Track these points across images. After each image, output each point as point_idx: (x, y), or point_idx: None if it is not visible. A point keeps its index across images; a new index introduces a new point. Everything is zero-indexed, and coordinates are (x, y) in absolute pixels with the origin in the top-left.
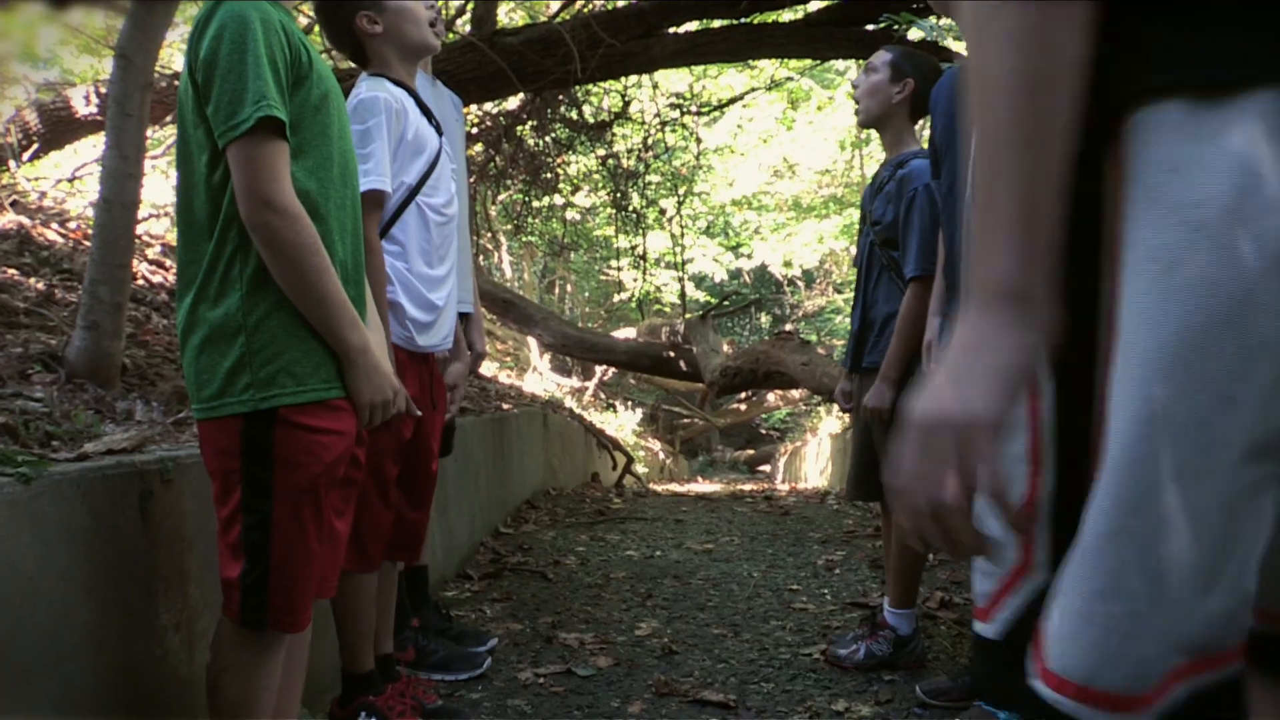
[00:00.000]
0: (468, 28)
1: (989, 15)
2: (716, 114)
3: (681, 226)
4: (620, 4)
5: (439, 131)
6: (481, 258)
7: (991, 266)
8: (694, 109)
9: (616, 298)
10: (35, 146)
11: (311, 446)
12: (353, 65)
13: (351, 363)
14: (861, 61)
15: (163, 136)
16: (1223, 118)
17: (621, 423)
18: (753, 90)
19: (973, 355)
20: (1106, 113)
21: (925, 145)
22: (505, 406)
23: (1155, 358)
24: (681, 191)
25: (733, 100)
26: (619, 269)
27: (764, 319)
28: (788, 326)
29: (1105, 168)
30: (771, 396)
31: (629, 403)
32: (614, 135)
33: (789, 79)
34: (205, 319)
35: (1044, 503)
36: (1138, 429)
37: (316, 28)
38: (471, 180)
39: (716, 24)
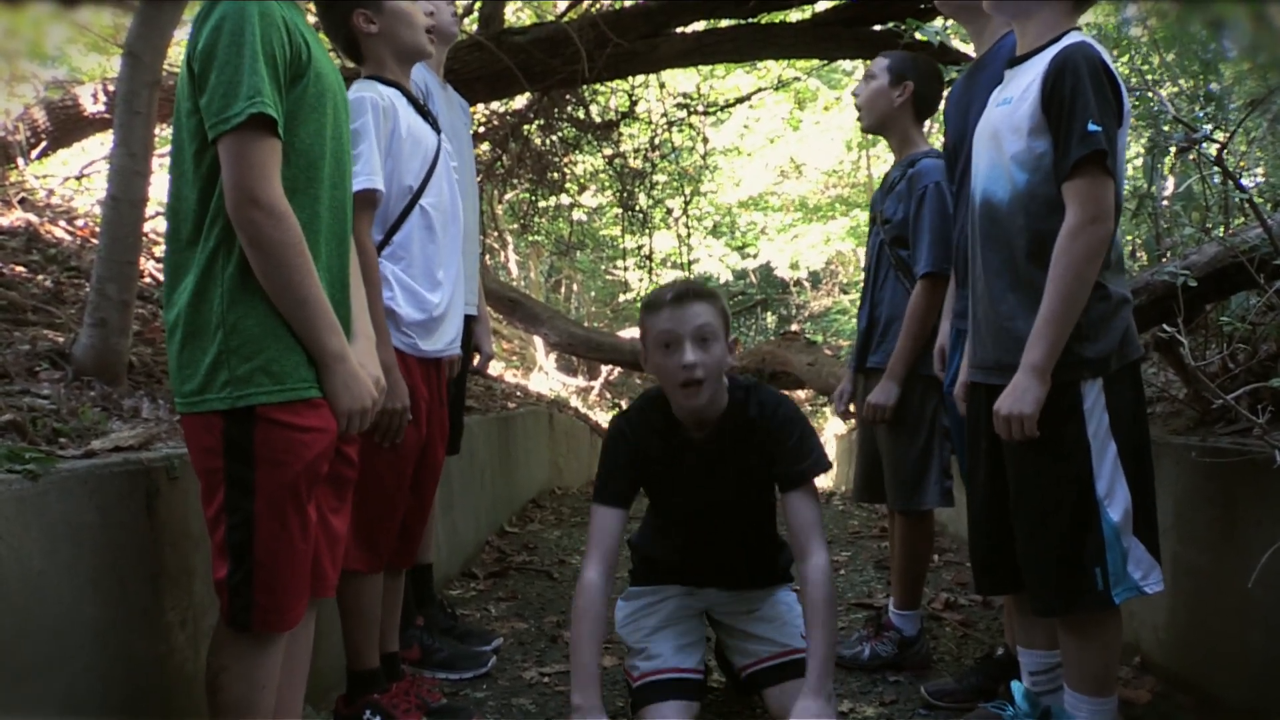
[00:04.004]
0: (475, 27)
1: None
2: (723, 114)
3: (688, 226)
4: (628, 4)
5: (437, 129)
6: (488, 257)
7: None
8: (701, 109)
9: (622, 297)
10: (43, 144)
11: (292, 444)
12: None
13: (329, 369)
14: (868, 62)
15: (170, 134)
16: None
17: None
18: (760, 90)
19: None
20: None
21: (933, 145)
22: (511, 405)
23: None
24: (688, 192)
25: (740, 100)
26: (625, 269)
27: (770, 319)
28: (794, 327)
29: None
30: None
31: None
32: (621, 135)
33: (796, 79)
34: (186, 313)
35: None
36: None
37: None
38: (478, 179)
39: (724, 24)
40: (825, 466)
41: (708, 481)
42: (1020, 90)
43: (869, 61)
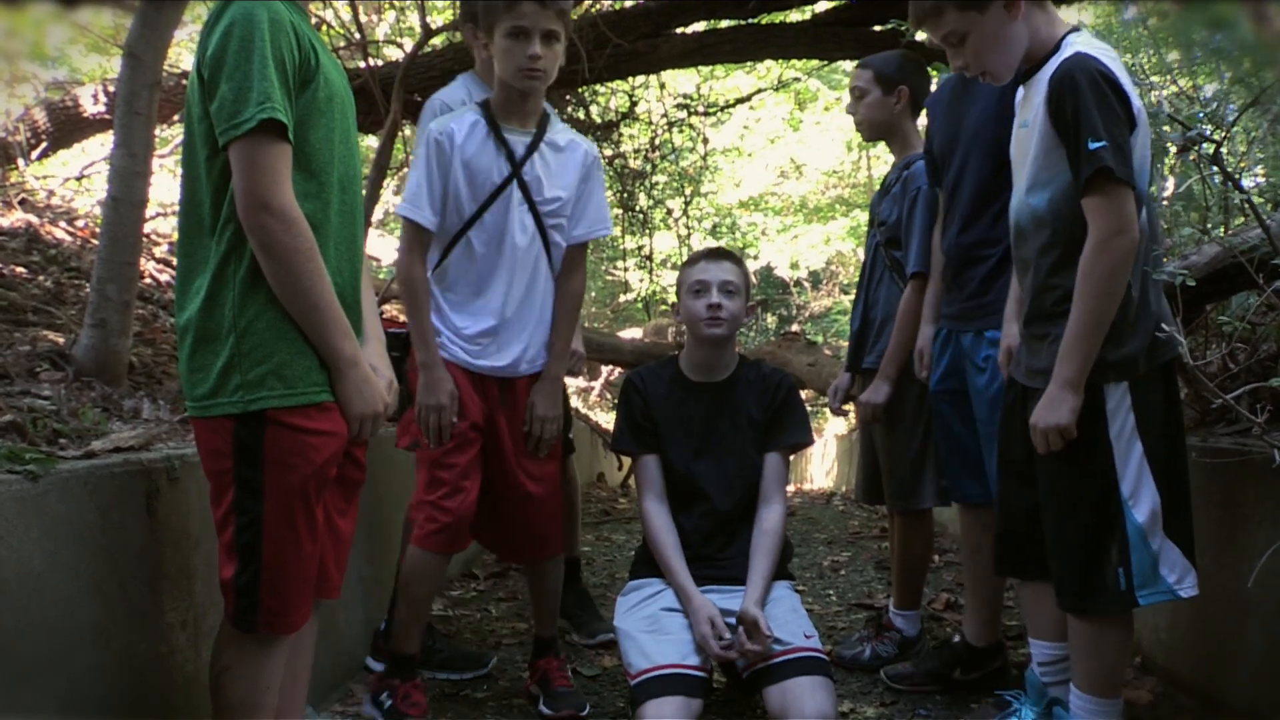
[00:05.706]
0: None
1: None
2: (723, 115)
3: (688, 227)
4: (628, 4)
5: (511, 161)
6: None
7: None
8: (701, 109)
9: (623, 298)
10: (44, 145)
11: (302, 447)
12: (361, 65)
13: (341, 373)
14: None
15: (170, 135)
16: None
17: None
18: (760, 91)
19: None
20: None
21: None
22: None
23: None
24: (688, 192)
25: (740, 101)
26: (625, 269)
27: (770, 320)
28: (794, 327)
29: None
30: None
31: None
32: (621, 135)
33: (796, 80)
34: (199, 318)
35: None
36: None
37: (325, 26)
38: None
39: (724, 24)
40: (810, 442)
41: (708, 426)
42: (1033, 112)
43: None
